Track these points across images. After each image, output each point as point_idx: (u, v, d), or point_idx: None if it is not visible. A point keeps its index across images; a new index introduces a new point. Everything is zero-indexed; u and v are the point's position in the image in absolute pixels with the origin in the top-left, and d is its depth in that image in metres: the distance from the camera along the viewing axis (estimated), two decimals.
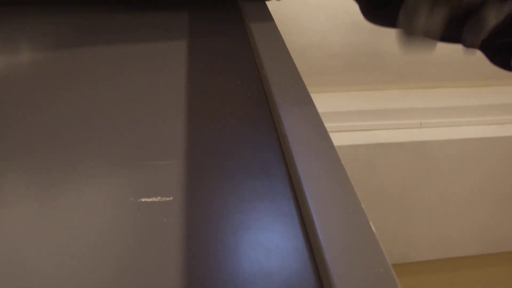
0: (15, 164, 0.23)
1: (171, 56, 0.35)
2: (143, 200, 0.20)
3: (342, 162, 0.20)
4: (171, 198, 0.20)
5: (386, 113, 1.20)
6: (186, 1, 0.48)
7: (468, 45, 0.34)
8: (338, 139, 1.15)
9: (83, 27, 0.41)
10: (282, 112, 0.24)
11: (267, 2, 0.47)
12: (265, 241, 0.18)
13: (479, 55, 0.45)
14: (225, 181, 0.21)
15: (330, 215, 0.18)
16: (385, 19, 0.49)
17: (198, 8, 0.46)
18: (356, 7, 0.52)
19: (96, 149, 0.23)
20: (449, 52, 1.02)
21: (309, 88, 0.28)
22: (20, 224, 0.19)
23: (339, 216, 0.18)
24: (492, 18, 0.32)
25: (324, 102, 1.19)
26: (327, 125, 0.21)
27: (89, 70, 0.33)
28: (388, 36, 1.07)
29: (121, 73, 0.32)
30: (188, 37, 0.38)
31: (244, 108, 0.26)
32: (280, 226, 0.19)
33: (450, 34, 0.34)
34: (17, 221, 0.19)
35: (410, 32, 0.33)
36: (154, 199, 0.20)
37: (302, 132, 0.22)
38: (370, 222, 0.17)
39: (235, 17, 0.44)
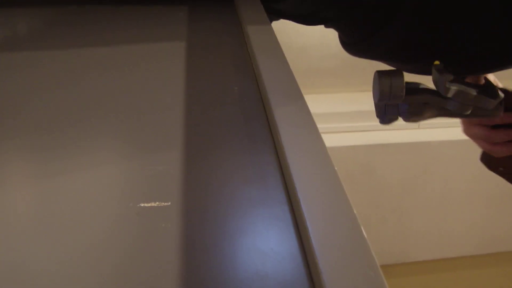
0: (13, 164, 0.23)
1: (168, 60, 0.35)
2: (142, 205, 0.20)
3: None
4: (169, 203, 0.20)
5: None
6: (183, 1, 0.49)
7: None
8: (337, 140, 1.15)
9: (80, 23, 0.42)
10: (278, 119, 0.24)
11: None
12: (261, 245, 0.18)
13: None
14: (222, 186, 0.21)
15: (323, 220, 0.18)
16: (360, 52, 0.53)
17: (195, 6, 0.47)
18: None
19: (95, 153, 0.24)
20: None
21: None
22: (18, 226, 0.19)
23: (332, 221, 0.18)
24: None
25: (323, 102, 1.20)
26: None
27: (85, 68, 0.33)
28: None
29: (120, 73, 0.33)
30: (186, 39, 0.39)
31: (241, 115, 0.27)
32: (275, 230, 0.19)
33: None
34: (14, 223, 0.19)
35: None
36: (152, 204, 0.20)
37: (297, 140, 0.22)
38: (362, 227, 0.17)
39: (231, 16, 0.45)
